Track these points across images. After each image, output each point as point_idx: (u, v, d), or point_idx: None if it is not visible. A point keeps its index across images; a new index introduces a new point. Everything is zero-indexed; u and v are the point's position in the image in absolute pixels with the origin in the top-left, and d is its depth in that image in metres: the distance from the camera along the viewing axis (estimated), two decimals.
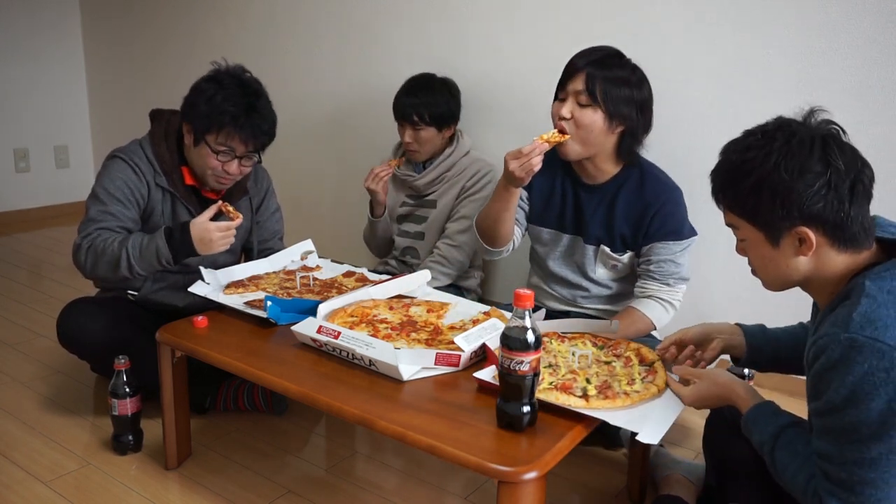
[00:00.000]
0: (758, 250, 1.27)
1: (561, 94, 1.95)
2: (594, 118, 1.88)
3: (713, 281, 2.37)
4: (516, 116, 2.64)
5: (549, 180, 2.10)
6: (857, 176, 1.18)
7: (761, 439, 1.29)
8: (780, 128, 1.22)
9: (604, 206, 2.02)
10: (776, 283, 1.30)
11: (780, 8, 2.08)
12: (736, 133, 1.28)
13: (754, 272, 1.34)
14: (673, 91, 2.12)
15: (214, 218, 1.95)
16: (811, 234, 1.19)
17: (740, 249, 1.33)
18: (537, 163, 1.84)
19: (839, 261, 1.22)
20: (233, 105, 1.97)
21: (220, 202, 1.99)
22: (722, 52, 2.18)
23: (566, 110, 1.90)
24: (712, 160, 1.29)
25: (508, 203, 1.99)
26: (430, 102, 2.41)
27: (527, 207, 2.14)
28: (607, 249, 2.04)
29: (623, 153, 1.97)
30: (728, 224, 1.32)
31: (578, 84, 1.89)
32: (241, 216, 1.97)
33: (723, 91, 2.20)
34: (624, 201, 1.99)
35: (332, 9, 3.12)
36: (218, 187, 2.13)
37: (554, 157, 2.02)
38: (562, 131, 1.92)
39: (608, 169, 2.01)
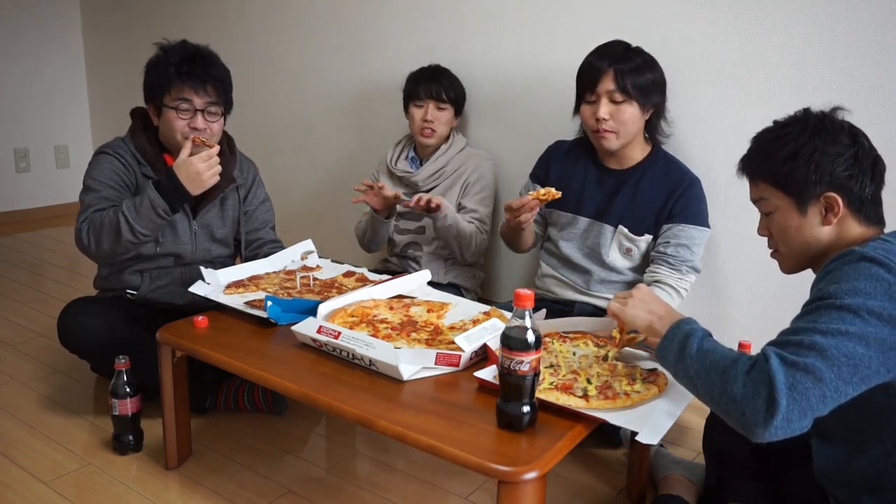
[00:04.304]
0: (784, 219, 1.33)
1: (590, 97, 2.02)
2: (632, 111, 1.99)
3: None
4: (514, 115, 2.64)
5: (570, 167, 2.19)
6: (877, 158, 1.31)
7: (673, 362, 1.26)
8: (809, 113, 1.35)
9: (628, 189, 2.10)
10: (796, 254, 1.34)
11: (779, 9, 2.07)
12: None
13: (774, 252, 1.39)
14: (672, 92, 2.13)
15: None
16: (839, 200, 1.27)
17: (763, 228, 1.39)
18: (525, 219, 1.97)
19: (857, 233, 1.29)
20: (175, 59, 2.04)
21: (191, 136, 2.01)
22: (721, 54, 2.18)
23: (604, 111, 1.98)
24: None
25: (513, 230, 2.13)
26: (451, 85, 2.55)
27: (542, 207, 2.22)
28: (625, 230, 2.09)
29: (652, 130, 2.11)
30: (755, 200, 1.38)
31: (609, 84, 1.97)
32: (216, 145, 2.00)
33: (722, 92, 2.19)
34: (649, 184, 2.07)
35: (332, 4, 3.12)
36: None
37: (579, 144, 2.16)
38: (598, 131, 2.01)
39: (636, 154, 2.11)
